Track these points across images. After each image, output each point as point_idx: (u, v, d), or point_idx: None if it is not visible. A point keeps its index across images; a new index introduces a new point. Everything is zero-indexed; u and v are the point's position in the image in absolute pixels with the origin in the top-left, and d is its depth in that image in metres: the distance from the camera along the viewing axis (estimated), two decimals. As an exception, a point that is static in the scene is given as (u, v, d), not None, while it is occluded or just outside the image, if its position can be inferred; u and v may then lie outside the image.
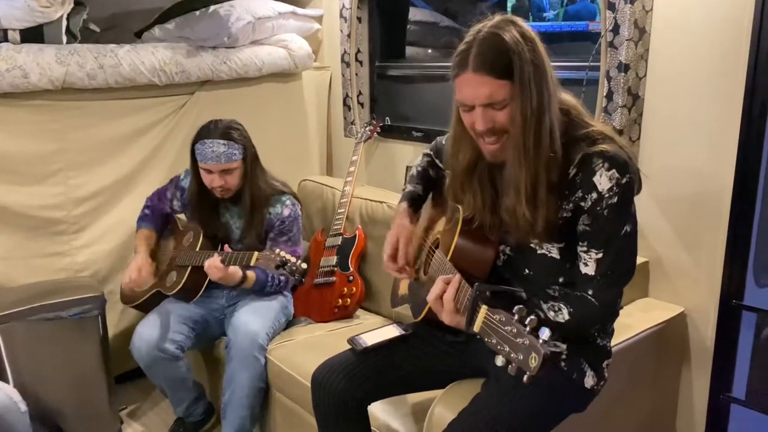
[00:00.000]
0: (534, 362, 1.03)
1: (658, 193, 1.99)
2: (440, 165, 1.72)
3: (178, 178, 2.40)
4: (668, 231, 2.01)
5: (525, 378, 1.05)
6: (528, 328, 1.07)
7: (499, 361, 1.10)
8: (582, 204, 1.31)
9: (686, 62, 1.89)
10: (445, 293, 1.31)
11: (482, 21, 1.30)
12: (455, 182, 1.48)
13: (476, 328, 1.18)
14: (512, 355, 1.07)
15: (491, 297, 1.21)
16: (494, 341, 1.12)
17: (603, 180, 1.28)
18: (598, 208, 1.30)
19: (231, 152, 2.13)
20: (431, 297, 1.34)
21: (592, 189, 1.29)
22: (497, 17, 1.30)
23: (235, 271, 2.10)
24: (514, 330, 1.09)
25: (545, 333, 1.05)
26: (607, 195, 1.28)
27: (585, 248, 1.34)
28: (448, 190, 1.53)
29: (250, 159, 2.21)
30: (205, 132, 2.15)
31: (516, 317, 1.10)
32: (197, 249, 2.22)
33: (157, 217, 2.46)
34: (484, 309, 1.17)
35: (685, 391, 2.05)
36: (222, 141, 2.12)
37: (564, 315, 1.32)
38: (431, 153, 1.76)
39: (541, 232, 1.32)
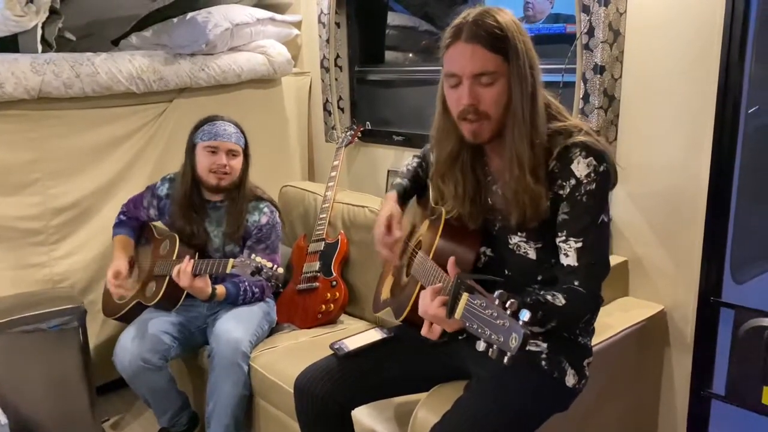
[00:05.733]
0: (514, 342, 1.04)
1: (636, 192, 2.01)
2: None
3: (154, 186, 2.38)
4: (646, 230, 2.03)
5: (505, 359, 1.05)
6: (509, 311, 1.08)
7: (481, 346, 1.10)
8: (561, 192, 1.33)
9: (660, 63, 1.91)
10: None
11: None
12: (438, 172, 1.49)
13: (457, 315, 1.18)
14: (493, 337, 1.08)
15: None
16: (475, 326, 1.13)
17: (581, 167, 1.31)
18: (577, 194, 1.32)
19: (240, 136, 2.22)
20: (424, 311, 1.30)
21: (570, 176, 1.32)
22: (487, 6, 1.32)
23: (203, 284, 2.07)
24: (495, 313, 1.09)
25: (526, 315, 1.06)
26: (585, 181, 1.31)
27: (564, 238, 1.35)
28: (431, 180, 1.53)
29: (247, 159, 2.27)
30: (213, 117, 2.23)
31: (497, 301, 1.11)
32: (174, 257, 2.20)
33: (133, 224, 2.44)
34: (465, 296, 1.18)
35: (666, 388, 2.07)
36: (232, 124, 2.21)
37: (560, 300, 1.31)
38: (420, 156, 1.77)
39: (546, 208, 1.33)
